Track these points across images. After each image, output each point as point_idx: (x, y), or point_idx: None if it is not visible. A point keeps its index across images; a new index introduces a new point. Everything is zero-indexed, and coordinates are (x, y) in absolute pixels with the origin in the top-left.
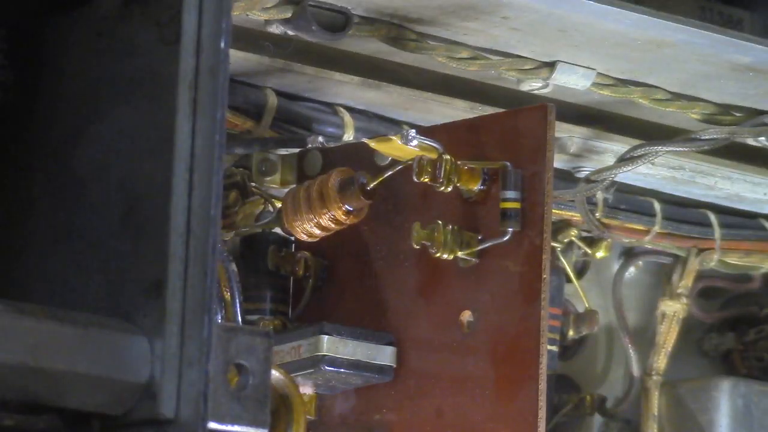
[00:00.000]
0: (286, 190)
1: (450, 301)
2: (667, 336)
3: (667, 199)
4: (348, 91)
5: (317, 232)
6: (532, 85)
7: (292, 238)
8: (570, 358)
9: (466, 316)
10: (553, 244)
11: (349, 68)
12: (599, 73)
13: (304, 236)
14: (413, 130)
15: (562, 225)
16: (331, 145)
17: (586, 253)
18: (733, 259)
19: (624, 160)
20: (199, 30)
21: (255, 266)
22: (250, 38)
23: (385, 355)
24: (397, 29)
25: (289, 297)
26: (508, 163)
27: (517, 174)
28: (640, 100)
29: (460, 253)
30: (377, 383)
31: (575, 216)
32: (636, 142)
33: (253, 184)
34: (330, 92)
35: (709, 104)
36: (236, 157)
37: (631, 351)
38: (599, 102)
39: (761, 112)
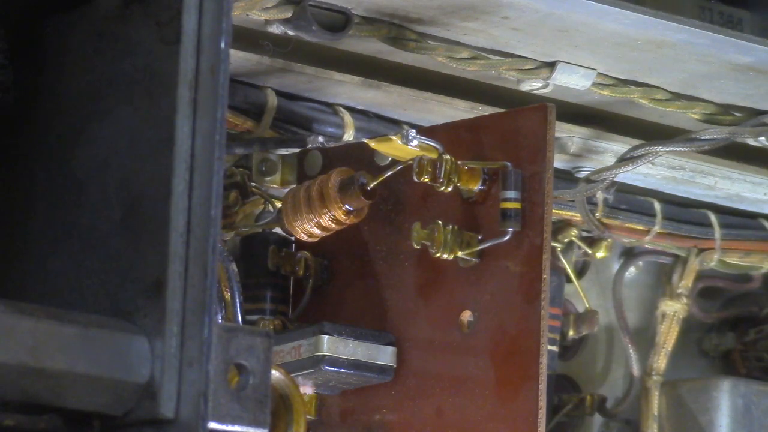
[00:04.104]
0: (286, 190)
1: (450, 301)
2: (667, 336)
3: (667, 199)
4: (348, 91)
5: (317, 232)
6: (532, 85)
7: (292, 238)
8: (570, 358)
9: (466, 316)
10: (553, 244)
11: (349, 68)
12: (599, 73)
13: (304, 236)
14: (413, 130)
15: (562, 225)
16: (331, 145)
17: (586, 253)
18: (733, 259)
19: (624, 160)
20: (199, 30)
21: (255, 266)
22: (250, 38)
23: (385, 355)
24: (397, 29)
25: (289, 297)
26: (508, 163)
27: (517, 174)
28: (640, 100)
29: (460, 253)
30: (377, 383)
31: (575, 216)
32: (636, 142)
33: (253, 184)
34: (330, 92)
35: (709, 104)
36: (236, 157)
37: (631, 351)
38: (599, 102)
39: (761, 112)
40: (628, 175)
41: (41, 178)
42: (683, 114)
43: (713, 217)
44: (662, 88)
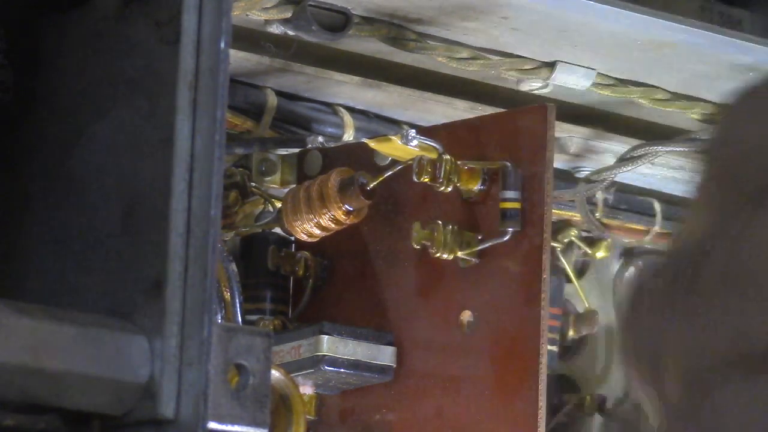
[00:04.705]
0: (286, 190)
1: (450, 301)
2: None
3: (667, 199)
4: (348, 91)
5: (317, 232)
6: (532, 85)
7: (292, 238)
8: (570, 358)
9: (466, 316)
10: (553, 244)
11: (349, 68)
12: (599, 73)
13: (304, 236)
14: (413, 130)
15: (562, 225)
16: (331, 145)
17: (586, 253)
18: None
19: (624, 160)
20: (199, 30)
21: (255, 266)
22: (250, 38)
23: (385, 355)
24: (397, 29)
25: (289, 297)
26: (508, 163)
27: (517, 174)
28: (640, 100)
29: (460, 253)
30: (377, 383)
31: (575, 216)
32: (636, 142)
33: (253, 184)
34: (330, 92)
35: (709, 104)
36: (236, 157)
37: None
38: (599, 102)
39: None
40: (628, 175)
41: (41, 177)
42: (683, 114)
43: None
44: (662, 88)
